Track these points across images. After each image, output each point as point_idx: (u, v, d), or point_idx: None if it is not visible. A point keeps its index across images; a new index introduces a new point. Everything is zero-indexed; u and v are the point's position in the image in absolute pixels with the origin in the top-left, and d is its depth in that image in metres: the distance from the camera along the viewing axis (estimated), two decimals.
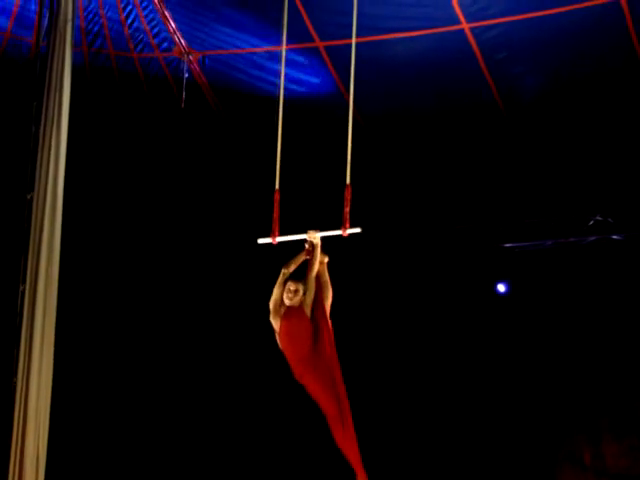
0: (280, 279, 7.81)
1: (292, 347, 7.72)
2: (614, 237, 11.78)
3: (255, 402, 12.70)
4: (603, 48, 10.68)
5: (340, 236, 7.71)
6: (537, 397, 12.09)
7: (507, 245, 12.09)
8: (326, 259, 7.92)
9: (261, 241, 7.97)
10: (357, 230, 7.67)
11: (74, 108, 9.01)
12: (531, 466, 12.00)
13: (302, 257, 7.85)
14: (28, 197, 9.02)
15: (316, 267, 7.78)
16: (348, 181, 7.80)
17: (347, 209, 7.70)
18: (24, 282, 8.76)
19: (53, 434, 8.78)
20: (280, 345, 7.80)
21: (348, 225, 7.66)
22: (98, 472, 12.37)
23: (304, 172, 11.40)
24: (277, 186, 8.06)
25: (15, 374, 8.64)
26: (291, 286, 7.76)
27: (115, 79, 12.15)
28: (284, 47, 8.72)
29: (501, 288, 12.38)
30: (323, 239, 7.79)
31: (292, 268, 7.82)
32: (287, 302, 7.75)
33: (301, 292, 7.75)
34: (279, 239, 7.88)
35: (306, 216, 8.80)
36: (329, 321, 7.81)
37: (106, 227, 12.70)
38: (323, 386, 7.63)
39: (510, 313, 12.28)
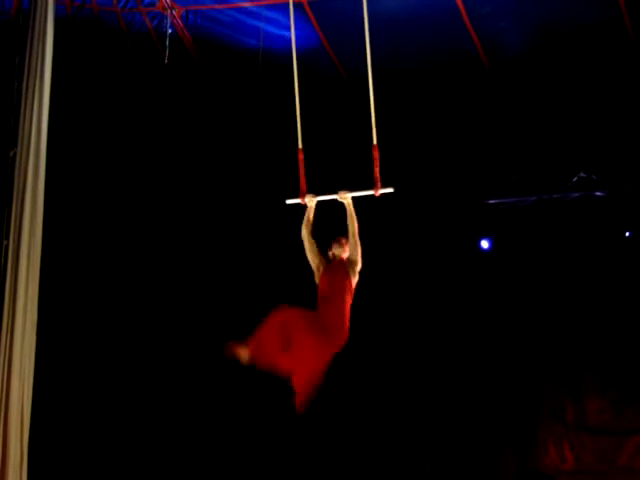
0: (307, 246, 7.77)
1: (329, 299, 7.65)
2: (597, 194, 11.80)
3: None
4: (588, 3, 10.65)
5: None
6: (520, 353, 12.15)
7: (491, 201, 12.10)
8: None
9: (290, 202, 7.79)
10: (390, 190, 7.59)
11: (57, 62, 8.97)
12: (514, 421, 12.09)
13: (310, 213, 7.76)
14: (11, 153, 9.02)
15: (356, 225, 7.70)
16: (375, 141, 7.68)
17: (377, 169, 7.61)
18: (7, 238, 8.78)
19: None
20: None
21: (379, 185, 7.60)
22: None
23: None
24: (300, 145, 7.85)
25: None
26: (342, 240, 7.77)
27: (98, 34, 12.07)
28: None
29: (484, 244, 12.41)
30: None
31: (310, 228, 7.77)
32: (342, 254, 7.73)
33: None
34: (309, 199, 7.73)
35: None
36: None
37: (87, 182, 12.62)
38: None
39: (493, 269, 12.32)
